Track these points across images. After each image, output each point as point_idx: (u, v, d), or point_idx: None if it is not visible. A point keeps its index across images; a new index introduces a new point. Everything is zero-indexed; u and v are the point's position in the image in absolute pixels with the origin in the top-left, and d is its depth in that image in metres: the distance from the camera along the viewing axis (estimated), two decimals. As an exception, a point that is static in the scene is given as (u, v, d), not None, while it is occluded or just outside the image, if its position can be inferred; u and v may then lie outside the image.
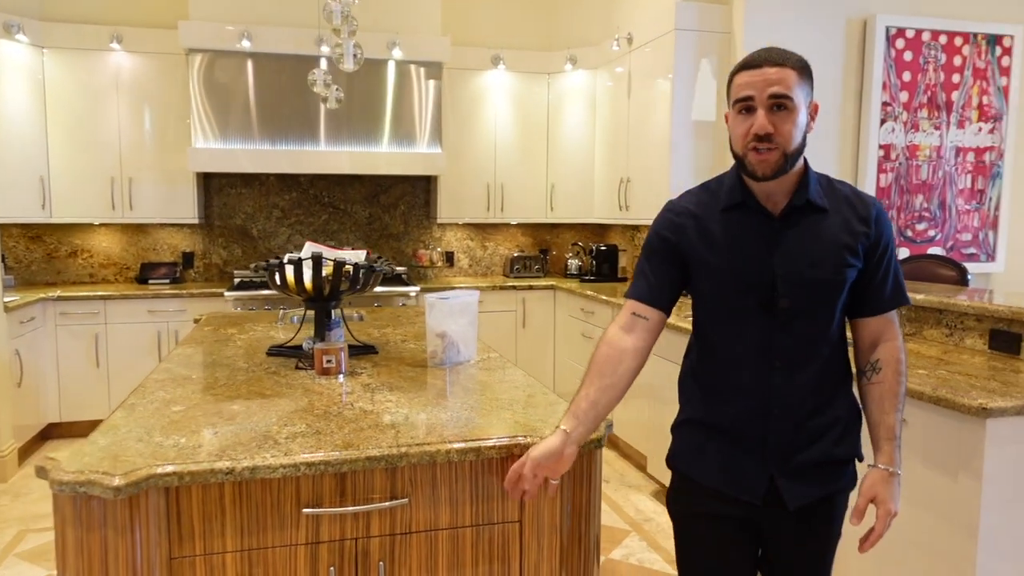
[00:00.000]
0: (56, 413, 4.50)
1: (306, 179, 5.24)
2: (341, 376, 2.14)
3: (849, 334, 1.55)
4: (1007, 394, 1.95)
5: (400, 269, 5.36)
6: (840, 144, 4.20)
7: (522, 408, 1.82)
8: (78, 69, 4.57)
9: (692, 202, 1.54)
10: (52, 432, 4.57)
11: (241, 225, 5.19)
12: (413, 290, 4.81)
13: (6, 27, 4.28)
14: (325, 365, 2.14)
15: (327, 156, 4.71)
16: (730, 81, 1.44)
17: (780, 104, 1.36)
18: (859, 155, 4.21)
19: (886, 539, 2.18)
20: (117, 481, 1.34)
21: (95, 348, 4.50)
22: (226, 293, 4.51)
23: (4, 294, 4.04)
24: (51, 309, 4.42)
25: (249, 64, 4.58)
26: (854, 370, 1.56)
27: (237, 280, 4.93)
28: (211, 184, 5.11)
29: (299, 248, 5.27)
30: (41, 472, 1.42)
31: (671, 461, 1.63)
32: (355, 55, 2.51)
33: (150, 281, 4.90)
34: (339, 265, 2.25)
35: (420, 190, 5.47)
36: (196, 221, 4.85)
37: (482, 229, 5.63)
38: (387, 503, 1.52)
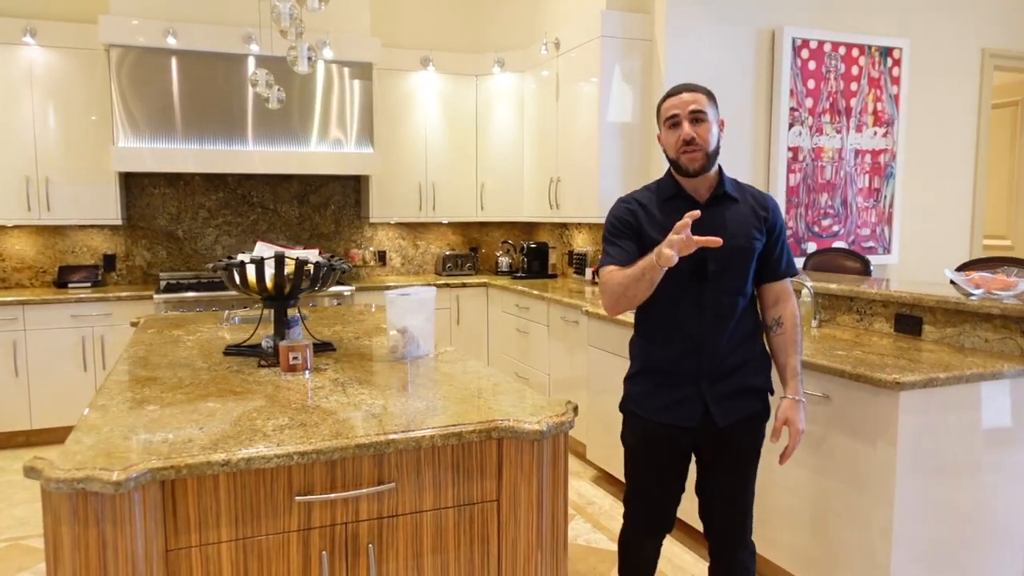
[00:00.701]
0: (-30, 425, 4.28)
1: (234, 179, 5.17)
2: (307, 373, 2.20)
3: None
4: (915, 370, 2.21)
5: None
6: (753, 146, 4.51)
7: (492, 395, 1.93)
8: (-13, 64, 4.35)
9: (639, 196, 2.03)
10: (-35, 446, 4.34)
11: (166, 226, 5.06)
12: (348, 289, 4.83)
13: (-93, 18, 4.03)
14: (292, 362, 2.18)
15: (256, 156, 4.66)
16: (659, 108, 1.96)
17: (697, 117, 1.88)
18: (770, 157, 4.52)
19: (814, 508, 2.42)
20: (116, 476, 1.37)
21: (13, 356, 4.30)
22: (155, 296, 4.41)
23: (-88, 301, 3.82)
24: (-37, 316, 4.21)
25: (174, 61, 4.48)
26: (764, 324, 2.04)
27: (164, 283, 4.82)
28: (133, 184, 4.96)
29: (227, 249, 5.18)
30: (31, 472, 1.43)
31: (625, 405, 2.09)
32: (310, 57, 2.55)
33: (69, 285, 4.72)
34: (301, 264, 2.30)
35: (351, 189, 5.48)
36: (118, 222, 4.71)
37: (413, 228, 5.69)
38: (375, 488, 1.61)
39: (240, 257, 2.43)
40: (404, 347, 2.39)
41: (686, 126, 1.86)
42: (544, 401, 1.86)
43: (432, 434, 1.63)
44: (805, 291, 3.09)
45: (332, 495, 1.57)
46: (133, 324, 3.36)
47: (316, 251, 2.63)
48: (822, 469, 2.38)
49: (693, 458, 2.07)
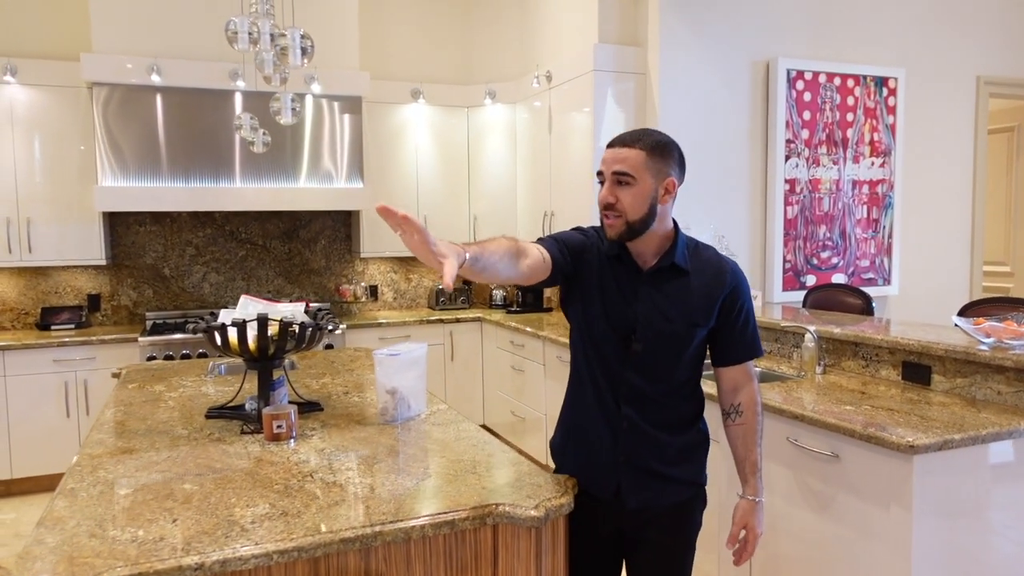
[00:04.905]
0: (-53, 476, 4.14)
1: (221, 215, 5.07)
2: (292, 441, 2.09)
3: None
4: (928, 428, 2.12)
5: (323, 305, 5.25)
6: (750, 178, 4.44)
7: (486, 470, 1.83)
8: (-33, 104, 4.26)
9: (595, 242, 1.73)
10: (-57, 497, 4.20)
11: (152, 264, 4.95)
12: (339, 328, 4.72)
13: None
14: (275, 431, 2.08)
15: (243, 193, 4.57)
16: None
17: (620, 180, 1.60)
18: (767, 189, 4.46)
19: (831, 559, 2.31)
20: (78, 589, 1.26)
21: (-8, 403, 4.17)
22: (140, 338, 4.29)
23: None
24: (-60, 363, 4.08)
25: (158, 98, 4.39)
26: (720, 411, 1.80)
27: (150, 323, 4.70)
28: (117, 222, 4.85)
29: (215, 287, 5.08)
30: (-13, 582, 1.32)
31: (552, 456, 1.87)
32: (294, 108, 2.47)
33: (52, 327, 4.59)
34: (286, 325, 2.20)
35: (340, 224, 5.39)
36: (103, 262, 4.60)
37: (405, 262, 5.59)
38: (362, 584, 1.50)
39: (223, 317, 2.33)
40: (394, 409, 2.28)
41: (605, 187, 1.61)
42: (542, 479, 1.75)
43: (423, 524, 1.52)
44: (808, 336, 3.00)
45: (315, 594, 1.46)
46: (115, 375, 3.24)
47: (303, 305, 2.53)
48: (832, 532, 2.28)
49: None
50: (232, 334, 2.18)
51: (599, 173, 1.65)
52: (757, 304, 3.91)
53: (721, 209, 4.36)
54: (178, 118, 4.44)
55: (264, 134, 3.12)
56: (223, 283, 5.10)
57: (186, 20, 4.39)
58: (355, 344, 4.80)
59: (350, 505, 1.60)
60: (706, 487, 1.80)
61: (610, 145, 1.64)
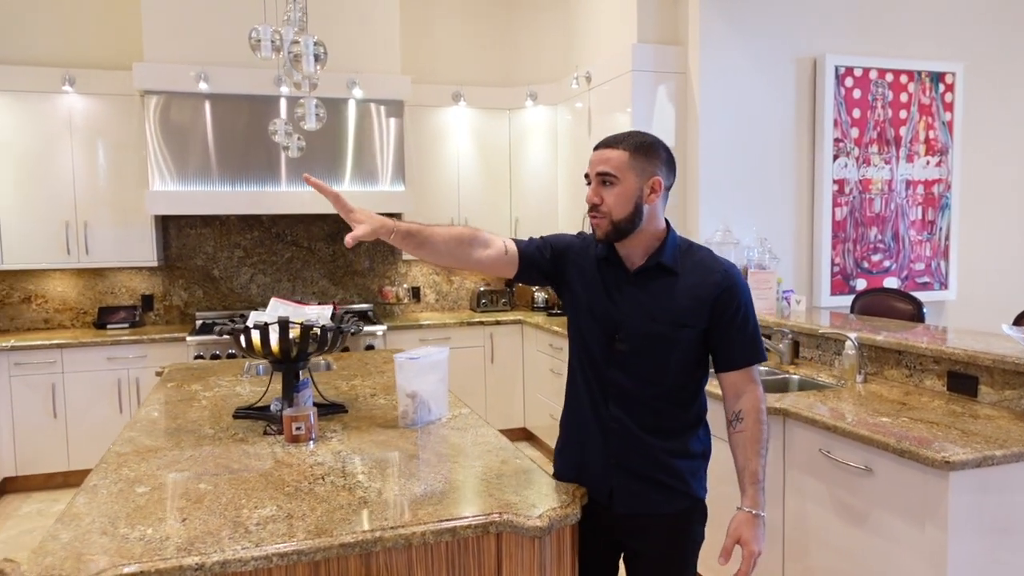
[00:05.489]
0: (12, 467, 4.35)
1: (268, 218, 5.19)
2: (311, 443, 2.11)
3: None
4: (968, 444, 2.00)
5: (366, 306, 5.32)
6: (796, 180, 4.30)
7: (497, 477, 1.81)
8: (29, 112, 4.46)
9: (589, 243, 1.77)
10: (8, 487, 4.41)
11: (202, 266, 5.10)
12: (380, 329, 4.77)
13: (-47, 72, 4.17)
14: (294, 432, 2.10)
15: (289, 196, 4.66)
16: None
17: (605, 180, 1.62)
18: (814, 190, 4.31)
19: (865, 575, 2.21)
20: (81, 585, 1.30)
21: (52, 398, 4.36)
22: (188, 338, 4.42)
23: (-47, 347, 3.91)
24: (4, 360, 4.29)
25: (207, 105, 4.52)
26: (726, 418, 1.73)
27: (199, 323, 4.84)
28: (170, 225, 5.02)
29: (262, 288, 5.20)
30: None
31: (554, 456, 1.89)
32: (317, 115, 2.50)
33: (108, 326, 4.78)
34: (306, 328, 2.22)
35: (384, 226, 5.44)
36: (155, 263, 4.76)
37: (447, 264, 5.60)
38: (362, 589, 1.50)
39: (253, 318, 2.38)
40: (414, 413, 2.29)
41: (591, 188, 1.65)
42: (552, 487, 1.73)
43: (423, 530, 1.52)
44: (849, 343, 2.88)
45: (315, 598, 1.47)
46: (158, 374, 3.35)
47: (330, 308, 2.56)
48: (867, 547, 2.18)
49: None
50: (255, 336, 2.22)
51: (586, 175, 1.67)
52: (801, 308, 3.79)
53: (764, 211, 4.24)
54: (226, 124, 4.56)
55: (299, 139, 3.17)
56: (270, 284, 5.22)
57: (232, 28, 4.50)
58: (396, 345, 4.85)
59: (355, 509, 1.61)
60: (705, 500, 1.74)
61: (596, 147, 1.66)
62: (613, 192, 1.61)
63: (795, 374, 3.12)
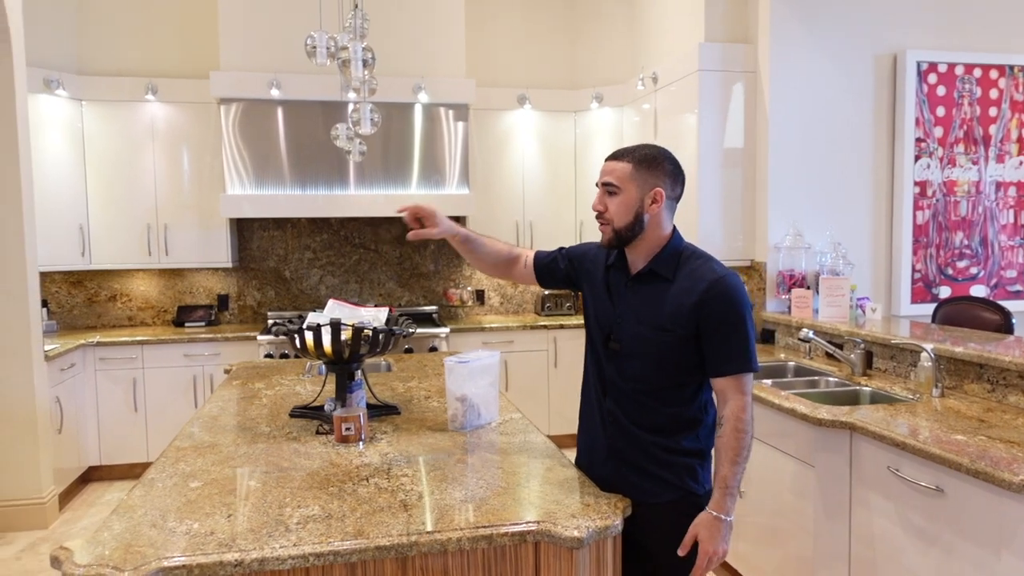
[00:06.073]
0: (96, 457, 4.59)
1: (337, 221, 5.31)
2: (361, 444, 2.13)
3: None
4: (1050, 466, 1.86)
5: (431, 309, 5.38)
6: (873, 182, 4.10)
7: (539, 485, 1.78)
8: (115, 120, 4.71)
9: (603, 252, 1.91)
10: (93, 475, 4.66)
11: (274, 267, 5.26)
12: (444, 331, 4.81)
13: (46, 83, 4.43)
14: (344, 433, 2.13)
15: (357, 199, 4.76)
16: None
17: (609, 190, 1.75)
18: (893, 192, 4.10)
19: (925, 614, 2.08)
20: (127, 576, 1.34)
21: (133, 393, 4.58)
22: (259, 337, 4.57)
23: (45, 342, 4.15)
24: (90, 355, 4.53)
25: (279, 111, 4.66)
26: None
27: (270, 322, 4.99)
28: (244, 227, 5.20)
29: (331, 289, 5.32)
30: (55, 563, 1.43)
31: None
32: (372, 119, 2.53)
33: (186, 324, 4.99)
34: (358, 330, 2.25)
35: (449, 229, 5.49)
36: (230, 264, 4.94)
37: (511, 267, 5.61)
38: (398, 592, 1.50)
39: (310, 319, 2.43)
40: (463, 416, 2.28)
41: (597, 196, 1.78)
42: (594, 497, 1.69)
43: (459, 536, 1.51)
44: (924, 355, 2.72)
45: (351, 599, 1.48)
46: (226, 371, 3.47)
47: (386, 310, 2.59)
48: (938, 570, 2.05)
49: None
50: (309, 338, 2.27)
51: (597, 184, 1.81)
52: (876, 317, 3.60)
53: (839, 215, 4.06)
54: (297, 129, 4.69)
55: (360, 143, 3.22)
56: (338, 285, 5.34)
57: (302, 36, 4.61)
58: (459, 348, 4.88)
59: (394, 512, 1.61)
60: (702, 495, 1.76)
61: (606, 159, 1.80)
62: (616, 201, 1.74)
63: (867, 386, 2.97)
